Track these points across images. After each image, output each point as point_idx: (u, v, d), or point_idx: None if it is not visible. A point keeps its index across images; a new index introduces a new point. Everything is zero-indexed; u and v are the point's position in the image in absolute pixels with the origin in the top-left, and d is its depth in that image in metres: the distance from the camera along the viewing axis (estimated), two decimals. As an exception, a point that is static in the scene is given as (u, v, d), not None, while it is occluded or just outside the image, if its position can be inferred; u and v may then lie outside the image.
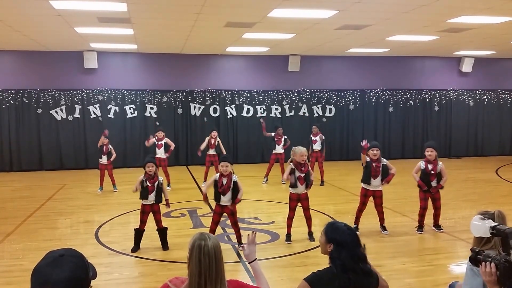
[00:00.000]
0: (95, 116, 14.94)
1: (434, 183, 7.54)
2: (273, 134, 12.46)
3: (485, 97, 17.59)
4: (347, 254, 2.77)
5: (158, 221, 6.95)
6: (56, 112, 14.69)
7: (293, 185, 7.13)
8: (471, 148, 17.65)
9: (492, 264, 2.41)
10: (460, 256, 6.67)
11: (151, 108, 15.33)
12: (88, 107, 14.87)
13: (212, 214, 7.18)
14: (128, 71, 15.21)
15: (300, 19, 9.49)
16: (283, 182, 11.96)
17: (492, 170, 14.26)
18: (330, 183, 12.08)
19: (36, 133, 14.59)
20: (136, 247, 6.89)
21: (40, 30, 10.90)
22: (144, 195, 6.86)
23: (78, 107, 14.80)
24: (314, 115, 16.38)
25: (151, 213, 6.94)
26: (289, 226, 7.29)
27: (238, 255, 6.68)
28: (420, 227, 7.73)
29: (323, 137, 12.16)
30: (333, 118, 16.55)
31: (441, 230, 7.71)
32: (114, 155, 11.31)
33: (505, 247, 2.54)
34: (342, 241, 2.81)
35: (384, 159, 7.53)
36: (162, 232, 6.99)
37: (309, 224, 7.29)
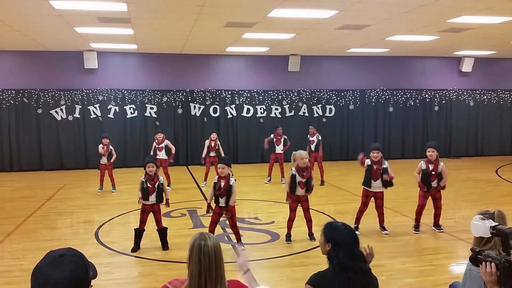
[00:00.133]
0: (95, 116, 14.94)
1: (434, 183, 7.54)
2: (272, 135, 12.50)
3: (485, 97, 17.59)
4: (345, 253, 2.77)
5: (158, 221, 6.95)
6: (56, 112, 14.69)
7: (292, 190, 7.13)
8: (471, 148, 17.65)
9: (493, 264, 2.41)
10: (460, 256, 6.67)
11: (151, 108, 15.33)
12: (88, 107, 14.87)
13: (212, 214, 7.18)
14: (128, 71, 15.21)
15: (300, 19, 9.49)
16: (283, 182, 11.97)
17: (492, 170, 14.26)
18: (330, 183, 12.08)
19: (36, 133, 14.60)
20: (136, 247, 6.89)
21: (40, 30, 10.91)
22: (145, 196, 6.87)
23: (78, 107, 14.80)
24: (314, 115, 16.38)
25: (151, 213, 6.94)
26: (289, 227, 7.29)
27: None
28: (417, 227, 7.72)
29: (320, 137, 12.14)
30: (333, 118, 16.55)
31: (441, 230, 7.71)
32: (114, 156, 11.30)
33: (505, 247, 2.54)
34: (340, 241, 2.82)
35: (386, 162, 7.50)
36: (162, 232, 6.99)
37: (309, 226, 7.29)
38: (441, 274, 5.96)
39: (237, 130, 15.97)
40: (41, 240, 7.42)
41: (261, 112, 16.04)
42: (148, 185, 6.83)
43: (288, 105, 16.21)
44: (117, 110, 15.09)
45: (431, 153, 7.55)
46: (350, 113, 16.67)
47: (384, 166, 7.44)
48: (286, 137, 12.44)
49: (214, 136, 11.87)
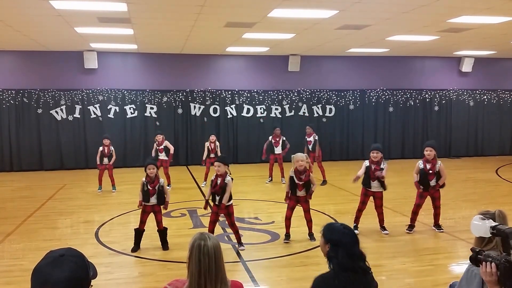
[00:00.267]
0: (95, 116, 14.94)
1: (433, 183, 7.53)
2: (270, 137, 12.53)
3: (485, 97, 17.59)
4: (344, 253, 2.77)
5: (159, 222, 6.96)
6: (56, 112, 14.69)
7: (292, 192, 7.15)
8: (471, 148, 17.65)
9: (493, 264, 2.40)
10: (460, 256, 6.67)
11: (151, 108, 15.34)
12: (88, 107, 14.87)
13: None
14: (128, 71, 15.22)
15: (300, 19, 9.49)
16: (283, 182, 11.98)
17: (492, 170, 14.26)
18: (330, 183, 12.08)
19: (36, 133, 14.60)
20: (136, 247, 6.90)
21: (40, 30, 10.91)
22: (145, 198, 6.88)
23: (78, 107, 14.81)
24: (314, 115, 16.38)
25: (152, 213, 6.94)
26: (287, 226, 7.29)
27: (238, 254, 6.69)
28: (411, 226, 7.72)
29: (316, 137, 12.14)
30: (333, 118, 16.55)
31: (441, 230, 7.70)
32: (114, 158, 11.28)
33: (505, 247, 2.54)
34: (338, 241, 2.82)
35: (384, 164, 7.48)
36: (163, 232, 6.99)
37: (309, 226, 7.29)
38: (441, 274, 5.96)
39: (237, 130, 15.98)
40: (41, 240, 7.42)
41: (261, 112, 16.04)
42: (149, 187, 6.84)
43: (288, 105, 16.21)
44: (117, 110, 15.09)
45: (429, 152, 7.52)
46: (350, 113, 16.67)
47: (382, 167, 7.43)
48: (284, 138, 12.46)
49: (213, 138, 11.88)
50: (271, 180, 12.44)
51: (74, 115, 14.81)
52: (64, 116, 14.75)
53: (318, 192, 11.03)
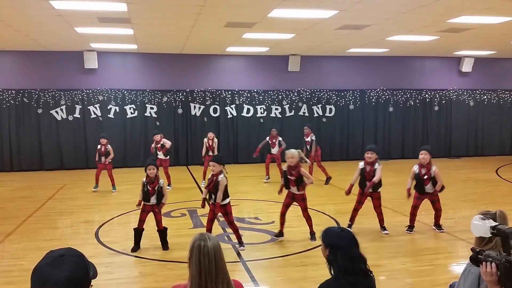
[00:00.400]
0: (95, 116, 14.94)
1: (429, 187, 7.48)
2: (267, 138, 12.57)
3: (485, 97, 17.59)
4: (343, 256, 2.79)
5: (158, 222, 6.96)
6: (56, 112, 14.70)
7: (286, 186, 7.22)
8: (471, 148, 17.65)
9: (493, 264, 2.40)
10: (460, 256, 6.67)
11: (151, 108, 15.34)
12: (88, 107, 14.88)
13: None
14: (128, 71, 15.22)
15: (300, 19, 9.49)
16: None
17: (492, 170, 14.26)
18: (330, 183, 12.07)
19: (37, 133, 14.60)
20: (136, 247, 6.90)
21: (40, 30, 10.91)
22: (145, 198, 6.90)
23: (78, 107, 14.81)
24: (314, 115, 16.39)
25: (151, 213, 6.95)
26: (281, 223, 7.28)
27: (238, 254, 6.69)
28: (411, 227, 7.71)
29: (313, 137, 12.16)
30: (333, 118, 16.55)
31: (442, 230, 7.70)
32: (111, 155, 11.25)
33: (505, 247, 2.54)
34: (337, 244, 2.84)
35: (377, 165, 7.42)
36: (163, 232, 7.00)
37: (309, 224, 7.29)
38: (441, 274, 5.96)
39: (237, 130, 15.98)
40: (41, 240, 7.42)
41: (261, 112, 16.04)
42: (148, 187, 6.85)
43: (288, 105, 16.21)
44: (117, 110, 15.09)
45: (423, 155, 7.44)
46: (350, 113, 16.68)
47: (375, 168, 7.39)
48: (281, 138, 12.50)
49: (211, 135, 11.93)
50: (268, 178, 12.45)
51: (74, 115, 14.81)
52: (64, 116, 14.75)
53: (318, 192, 11.07)
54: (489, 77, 17.53)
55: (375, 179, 7.32)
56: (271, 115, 16.10)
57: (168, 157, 11.56)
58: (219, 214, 6.89)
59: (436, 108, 17.26)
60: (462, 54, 16.31)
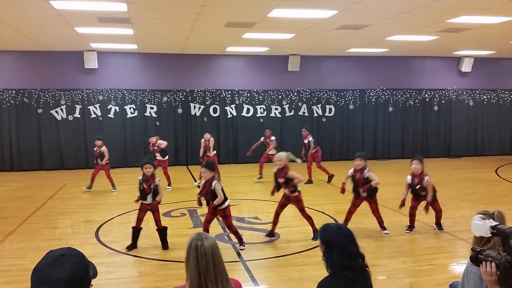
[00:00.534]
0: (95, 116, 14.95)
1: (423, 193, 7.49)
2: (261, 139, 12.64)
3: (484, 97, 17.59)
4: (339, 253, 2.79)
5: (157, 221, 6.96)
6: (57, 112, 14.70)
7: (277, 187, 7.26)
8: (471, 148, 17.66)
9: (493, 264, 2.41)
10: (460, 255, 6.68)
11: (151, 108, 15.35)
12: (88, 107, 14.88)
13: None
14: (128, 71, 15.22)
15: (300, 19, 9.50)
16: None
17: (492, 170, 14.27)
18: (331, 182, 12.07)
19: (37, 133, 14.61)
20: (132, 245, 6.89)
21: (40, 30, 10.91)
22: (142, 196, 6.91)
23: (78, 107, 14.82)
24: (314, 115, 16.40)
25: (149, 212, 6.94)
26: (274, 223, 7.29)
27: (238, 254, 6.69)
28: (411, 227, 7.72)
29: (310, 138, 12.17)
30: (333, 118, 16.56)
31: (442, 230, 7.71)
32: (106, 157, 11.16)
33: (505, 247, 2.55)
34: (333, 241, 2.84)
35: (367, 171, 7.41)
36: (162, 231, 6.99)
37: (310, 223, 7.27)
38: (441, 273, 5.96)
39: (237, 130, 15.98)
40: (41, 240, 7.42)
41: (261, 112, 16.05)
42: (144, 186, 6.85)
43: (288, 105, 16.22)
44: (117, 110, 15.10)
45: (415, 165, 7.41)
46: (350, 113, 16.68)
47: (365, 176, 7.37)
48: (274, 138, 12.56)
49: (207, 136, 11.97)
50: (261, 177, 12.47)
51: (74, 115, 14.82)
52: (64, 116, 14.76)
53: (318, 192, 11.08)
54: (488, 77, 17.53)
55: (374, 182, 7.32)
56: (271, 115, 16.11)
57: (166, 157, 11.55)
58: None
59: (436, 108, 17.26)
60: (462, 54, 16.31)
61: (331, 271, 2.82)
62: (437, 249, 6.98)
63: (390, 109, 16.94)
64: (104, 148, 11.21)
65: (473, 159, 16.89)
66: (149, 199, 6.90)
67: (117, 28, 10.54)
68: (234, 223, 7.36)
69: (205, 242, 2.58)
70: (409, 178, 7.59)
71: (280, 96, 16.16)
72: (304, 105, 16.33)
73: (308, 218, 7.25)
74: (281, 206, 7.28)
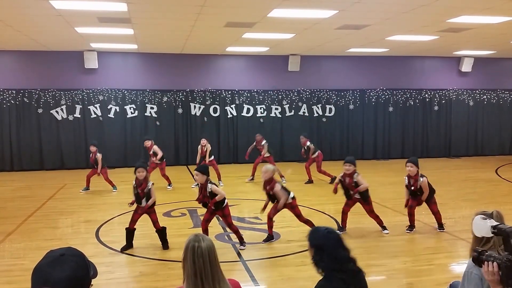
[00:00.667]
0: (95, 116, 14.96)
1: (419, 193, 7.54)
2: (254, 143, 12.72)
3: (484, 96, 17.59)
4: (328, 256, 2.81)
5: (154, 222, 6.95)
6: (57, 112, 14.71)
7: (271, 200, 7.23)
8: (471, 148, 17.66)
9: (495, 263, 2.42)
10: (460, 255, 6.68)
11: (152, 108, 15.35)
12: (88, 107, 14.89)
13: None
14: (128, 71, 15.23)
15: (300, 19, 9.50)
16: (284, 182, 12.00)
17: (492, 170, 14.27)
18: (330, 183, 12.08)
19: (37, 133, 14.62)
20: (127, 246, 6.89)
21: (40, 30, 10.92)
22: (137, 200, 6.92)
23: (78, 107, 14.82)
24: (314, 115, 16.40)
25: (145, 214, 6.94)
26: (269, 227, 7.24)
27: (238, 254, 6.70)
28: (411, 227, 7.73)
29: (307, 143, 12.18)
30: (333, 118, 16.56)
31: (443, 230, 7.71)
32: (100, 165, 11.10)
33: (506, 246, 2.55)
34: (321, 244, 2.85)
35: (356, 176, 7.41)
36: (161, 232, 6.98)
37: (310, 226, 7.27)
38: (441, 273, 5.96)
39: (237, 130, 15.99)
40: (41, 240, 7.43)
41: (261, 112, 16.06)
42: (138, 190, 6.84)
43: (288, 105, 16.22)
44: (118, 110, 15.10)
45: (409, 168, 7.49)
46: (350, 113, 16.68)
47: (355, 180, 7.39)
48: (265, 141, 12.46)
49: (203, 142, 11.94)
50: (252, 179, 12.45)
51: (75, 115, 14.83)
52: (65, 116, 14.77)
53: (318, 192, 11.09)
54: (488, 77, 17.53)
55: (361, 187, 7.36)
56: (271, 115, 16.11)
57: (163, 160, 11.53)
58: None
59: (436, 108, 17.26)
60: (462, 54, 16.31)
61: (324, 274, 2.83)
62: (437, 249, 6.99)
63: (390, 109, 16.94)
64: (98, 155, 11.12)
65: (473, 159, 16.89)
66: (144, 203, 6.89)
67: (117, 28, 10.54)
68: (235, 223, 7.37)
69: (202, 244, 2.61)
70: (406, 178, 7.66)
71: (280, 96, 16.16)
72: (304, 105, 16.33)
73: (307, 222, 7.18)
74: (276, 210, 7.22)
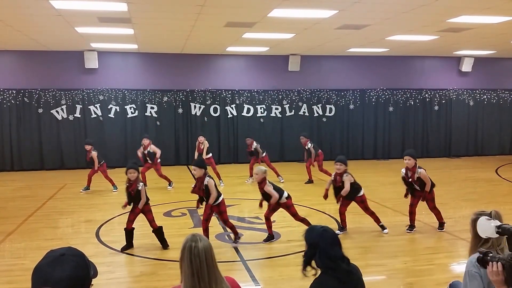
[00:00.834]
0: (95, 115, 14.96)
1: (416, 187, 7.54)
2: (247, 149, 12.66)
3: (485, 96, 17.59)
4: (322, 255, 2.83)
5: (150, 222, 6.93)
6: (57, 111, 14.71)
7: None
8: (471, 148, 17.66)
9: (499, 263, 2.43)
10: (460, 255, 6.68)
11: (152, 108, 15.35)
12: (88, 107, 14.89)
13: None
14: (128, 70, 15.23)
15: (300, 19, 9.50)
16: (282, 181, 12.03)
17: (492, 170, 14.27)
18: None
19: (37, 133, 14.62)
20: (127, 246, 6.90)
21: (40, 30, 10.92)
22: (129, 201, 6.91)
23: (78, 106, 14.83)
24: (314, 115, 16.40)
25: (141, 214, 6.93)
26: (268, 227, 7.25)
27: (238, 254, 6.70)
28: (411, 227, 7.73)
29: (309, 144, 12.14)
30: (333, 117, 16.56)
31: (442, 230, 7.71)
32: (95, 163, 11.09)
33: (510, 245, 2.56)
34: (316, 243, 2.87)
35: (345, 176, 7.42)
36: (158, 232, 6.97)
37: (306, 224, 7.25)
38: (441, 273, 5.97)
39: (238, 130, 15.98)
40: (42, 240, 7.43)
41: (261, 111, 16.06)
42: (130, 191, 6.84)
43: (288, 105, 16.22)
44: (118, 110, 15.11)
45: (407, 161, 7.56)
46: (350, 113, 16.68)
47: (343, 180, 7.40)
48: (255, 143, 12.28)
49: (201, 139, 12.00)
50: (253, 180, 12.45)
51: (75, 115, 14.83)
52: (65, 115, 14.77)
53: (318, 191, 11.05)
54: (489, 76, 17.53)
55: (343, 191, 7.38)
56: (271, 114, 16.11)
57: (158, 160, 11.53)
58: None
59: (436, 107, 17.26)
60: (462, 53, 16.31)
61: (321, 271, 2.86)
62: (437, 249, 7.00)
63: (391, 109, 16.94)
64: (93, 153, 11.10)
65: (473, 159, 16.89)
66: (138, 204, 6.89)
67: (117, 28, 10.55)
68: (235, 223, 7.39)
69: (199, 244, 2.63)
70: (403, 171, 7.72)
71: (280, 96, 16.16)
72: (305, 105, 16.33)
73: (303, 220, 7.18)
74: (272, 210, 7.24)
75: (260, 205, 7.32)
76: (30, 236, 7.63)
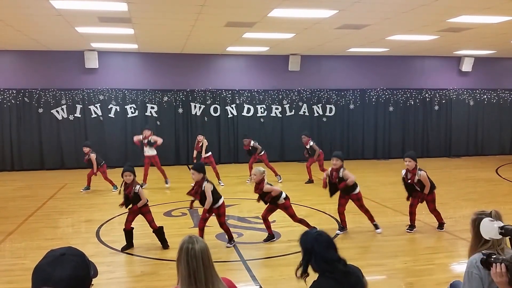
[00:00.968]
0: (96, 115, 14.97)
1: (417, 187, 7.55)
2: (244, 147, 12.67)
3: (485, 96, 17.59)
4: (318, 259, 2.85)
5: (150, 222, 6.93)
6: (57, 111, 14.72)
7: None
8: (471, 148, 17.66)
9: (503, 265, 2.43)
10: (461, 255, 6.67)
11: (152, 108, 15.36)
12: (89, 107, 14.90)
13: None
14: (128, 70, 15.23)
15: (300, 19, 9.50)
16: (280, 181, 12.05)
17: (492, 169, 14.27)
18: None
19: (37, 133, 14.63)
20: (128, 246, 6.90)
21: (41, 30, 10.93)
22: (126, 203, 6.92)
23: (79, 106, 14.83)
24: (314, 115, 16.40)
25: (140, 215, 6.94)
26: (267, 227, 7.26)
27: (239, 254, 6.70)
28: (411, 226, 7.74)
29: (311, 143, 12.13)
30: (333, 117, 16.56)
31: (442, 230, 7.71)
32: (94, 165, 11.08)
33: None
34: (310, 247, 2.90)
35: (342, 171, 7.44)
36: (159, 232, 6.97)
37: (305, 225, 7.22)
38: (442, 273, 5.97)
39: (238, 130, 15.98)
40: (42, 239, 7.44)
41: (261, 111, 16.06)
42: (126, 193, 6.85)
43: (288, 105, 16.22)
44: (118, 110, 15.11)
45: (407, 163, 7.56)
46: (350, 113, 16.68)
47: (340, 175, 7.41)
48: (253, 142, 12.28)
49: (200, 138, 12.01)
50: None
51: (75, 115, 14.84)
52: (65, 115, 14.78)
53: (318, 192, 11.06)
54: (489, 76, 17.52)
55: (349, 181, 7.38)
56: (271, 114, 16.12)
57: (155, 153, 11.57)
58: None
59: (436, 107, 17.26)
60: (462, 53, 16.31)
61: (318, 274, 2.88)
62: (437, 249, 7.00)
63: (391, 108, 16.94)
64: (91, 155, 11.09)
65: (473, 159, 16.89)
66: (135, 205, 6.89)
67: (117, 28, 10.55)
68: (235, 222, 7.39)
69: (195, 245, 2.66)
70: (403, 172, 7.71)
71: (280, 96, 16.16)
72: (305, 105, 16.33)
73: (301, 221, 7.16)
74: (269, 211, 7.24)
75: (258, 200, 7.32)
76: (30, 236, 7.63)
